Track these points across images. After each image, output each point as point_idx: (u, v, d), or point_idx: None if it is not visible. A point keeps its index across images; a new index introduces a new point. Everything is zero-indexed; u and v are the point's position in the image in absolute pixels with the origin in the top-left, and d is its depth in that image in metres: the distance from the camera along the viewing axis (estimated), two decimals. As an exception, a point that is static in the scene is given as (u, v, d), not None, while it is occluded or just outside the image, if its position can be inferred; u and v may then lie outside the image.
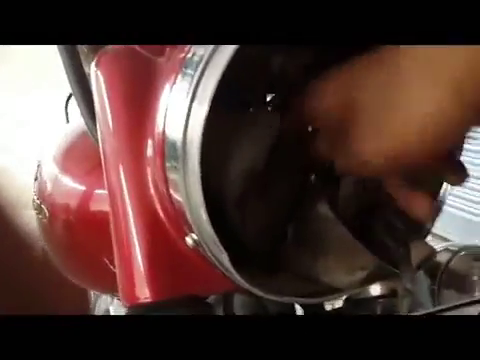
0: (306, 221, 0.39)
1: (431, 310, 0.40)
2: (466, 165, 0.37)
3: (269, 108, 0.42)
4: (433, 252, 0.40)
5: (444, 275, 0.51)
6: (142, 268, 0.39)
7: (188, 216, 0.33)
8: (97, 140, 0.48)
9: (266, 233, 0.38)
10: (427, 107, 0.29)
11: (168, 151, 0.34)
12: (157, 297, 0.39)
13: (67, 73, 0.50)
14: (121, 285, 0.40)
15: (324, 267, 0.38)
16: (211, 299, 0.43)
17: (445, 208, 0.41)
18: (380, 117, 0.32)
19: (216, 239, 0.32)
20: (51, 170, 0.70)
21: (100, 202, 0.65)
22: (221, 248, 0.32)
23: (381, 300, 0.44)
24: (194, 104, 0.31)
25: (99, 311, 0.88)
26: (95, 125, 0.47)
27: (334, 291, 0.40)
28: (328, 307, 0.52)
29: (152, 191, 0.39)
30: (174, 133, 0.33)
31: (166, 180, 0.35)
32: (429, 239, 0.47)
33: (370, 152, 0.32)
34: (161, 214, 0.39)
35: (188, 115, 0.32)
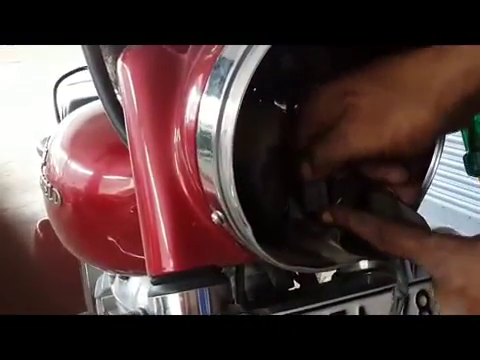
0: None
1: (413, 280, 0.47)
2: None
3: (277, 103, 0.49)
4: None
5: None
6: (167, 242, 0.44)
7: (218, 195, 0.39)
8: (117, 128, 0.53)
9: (276, 208, 0.44)
10: (414, 121, 0.38)
11: (200, 140, 0.40)
12: (180, 267, 0.44)
13: (89, 67, 0.55)
14: (147, 257, 0.45)
15: (328, 248, 0.45)
16: (224, 271, 0.48)
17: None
18: (374, 122, 0.40)
19: (242, 214, 0.38)
20: (60, 156, 0.75)
21: (107, 187, 0.70)
22: (246, 221, 0.38)
23: (369, 273, 0.51)
24: (227, 101, 0.37)
25: (99, 290, 0.92)
26: (116, 114, 0.52)
27: (332, 264, 0.46)
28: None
29: (178, 173, 0.44)
30: (207, 124, 0.39)
31: (196, 165, 0.41)
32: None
33: (362, 148, 0.41)
34: (186, 193, 0.44)
35: (222, 110, 0.37)
